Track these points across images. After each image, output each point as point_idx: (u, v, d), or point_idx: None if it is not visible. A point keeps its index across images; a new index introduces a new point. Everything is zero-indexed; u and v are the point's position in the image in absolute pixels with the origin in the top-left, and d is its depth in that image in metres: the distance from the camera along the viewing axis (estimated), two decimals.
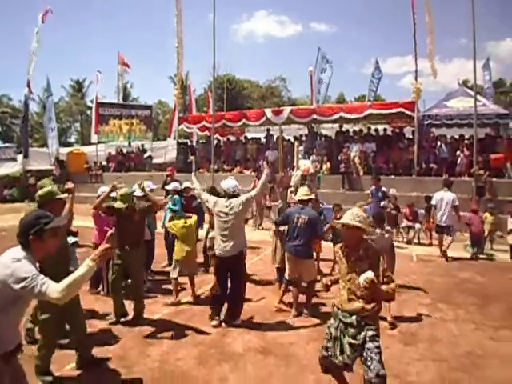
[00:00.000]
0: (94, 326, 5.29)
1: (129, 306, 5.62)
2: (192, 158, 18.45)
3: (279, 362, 4.48)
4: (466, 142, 14.49)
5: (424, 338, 5.04)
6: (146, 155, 20.27)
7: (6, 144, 27.43)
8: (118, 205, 5.52)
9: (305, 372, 4.25)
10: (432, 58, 14.70)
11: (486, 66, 19.49)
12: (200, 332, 5.23)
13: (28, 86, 20.85)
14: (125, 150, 21.59)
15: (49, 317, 4.09)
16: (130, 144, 22.22)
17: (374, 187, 10.89)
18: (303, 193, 6.12)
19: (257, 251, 9.87)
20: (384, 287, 3.15)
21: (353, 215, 3.33)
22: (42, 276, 2.47)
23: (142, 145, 22.02)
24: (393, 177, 14.23)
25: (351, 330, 3.21)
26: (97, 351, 4.60)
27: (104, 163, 20.99)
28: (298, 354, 4.65)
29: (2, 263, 2.47)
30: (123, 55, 22.30)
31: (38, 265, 2.66)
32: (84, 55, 62.72)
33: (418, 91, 14.36)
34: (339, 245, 3.51)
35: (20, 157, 21.18)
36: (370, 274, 3.03)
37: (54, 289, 2.41)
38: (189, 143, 20.82)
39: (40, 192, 4.08)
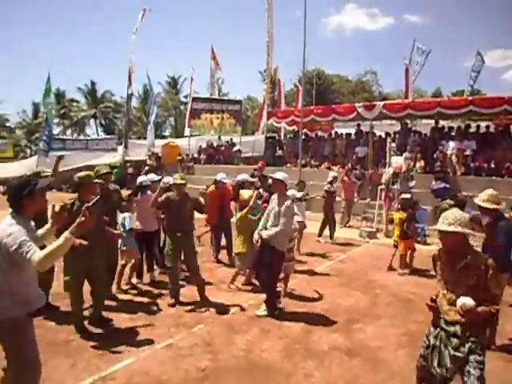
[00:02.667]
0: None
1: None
2: (280, 152, 18.56)
3: (366, 365, 4.30)
4: None
5: None
6: (234, 149, 20.69)
7: (109, 136, 29.71)
8: (172, 195, 5.84)
9: (395, 379, 4.03)
10: None
11: None
12: (285, 326, 5.21)
13: (130, 82, 22.37)
14: (215, 144, 22.25)
15: (69, 278, 4.77)
16: (219, 138, 22.85)
17: None
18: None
19: (344, 249, 9.66)
20: (488, 307, 2.82)
21: (449, 218, 2.93)
22: (30, 243, 2.74)
23: (231, 139, 22.54)
24: (494, 178, 13.06)
25: (454, 341, 2.93)
26: (184, 335, 4.80)
27: (195, 155, 21.83)
28: (386, 360, 4.43)
29: (1, 229, 2.82)
30: (216, 53, 22.97)
31: (33, 223, 3.11)
32: (179, 52, 65.77)
33: None
34: (438, 248, 3.21)
35: (120, 148, 22.83)
36: (468, 301, 2.76)
37: (34, 257, 2.68)
38: (277, 138, 20.91)
39: (80, 174, 4.82)
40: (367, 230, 10.90)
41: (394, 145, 15.00)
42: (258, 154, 20.32)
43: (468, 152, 14.06)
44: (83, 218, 2.88)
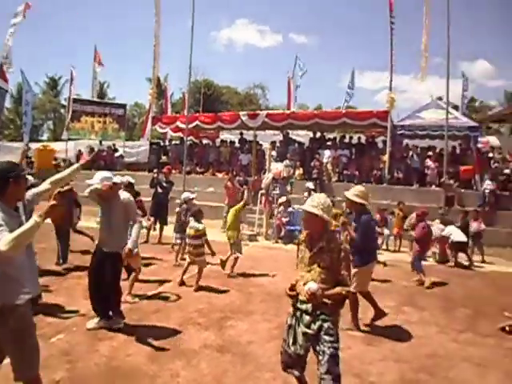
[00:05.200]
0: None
1: None
2: (164, 158, 18.16)
3: (236, 359, 4.26)
4: (436, 152, 14.70)
5: (387, 339, 4.90)
6: (117, 154, 19.79)
7: None
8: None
9: (262, 370, 4.05)
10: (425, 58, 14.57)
11: (465, 84, 20.01)
12: (156, 329, 4.97)
13: (4, 79, 19.97)
14: (96, 149, 21.02)
15: None
16: (101, 142, 21.66)
17: None
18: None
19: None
20: (338, 289, 2.95)
21: (314, 201, 3.06)
22: (3, 228, 2.58)
23: (114, 144, 21.50)
24: (364, 184, 14.22)
25: (306, 318, 3.02)
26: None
27: (73, 161, 20.38)
28: (256, 353, 4.44)
29: None
30: (99, 53, 21.85)
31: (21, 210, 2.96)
32: (61, 54, 61.58)
33: (392, 101, 14.47)
34: (305, 232, 3.30)
35: None
36: (312, 286, 2.85)
37: (2, 242, 2.49)
38: (161, 144, 20.46)
39: None
40: (248, 233, 11.08)
41: (274, 153, 15.62)
42: (143, 160, 19.71)
43: (342, 160, 15.16)
44: (54, 202, 2.72)
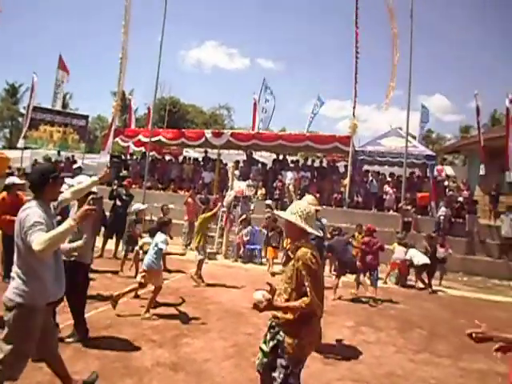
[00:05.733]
0: None
1: None
2: (125, 172, 17.74)
3: (190, 378, 4.07)
4: (395, 179, 15.15)
5: (345, 359, 4.85)
6: (75, 166, 19.15)
7: None
8: None
9: None
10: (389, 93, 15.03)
11: (424, 115, 20.83)
12: (105, 345, 4.69)
13: None
14: (53, 159, 20.29)
15: None
16: (59, 153, 20.94)
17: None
18: None
19: (182, 268, 9.41)
20: (295, 302, 2.70)
21: (294, 208, 2.87)
22: (42, 226, 2.76)
23: (73, 155, 20.84)
24: (325, 207, 14.41)
25: (268, 334, 2.88)
26: None
27: (28, 170, 19.56)
28: (211, 371, 4.26)
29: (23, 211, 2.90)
30: (65, 60, 21.29)
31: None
32: (22, 61, 59.85)
33: (354, 127, 14.82)
34: (287, 240, 3.19)
35: None
36: (257, 296, 2.68)
37: (37, 240, 2.65)
38: (123, 157, 20.03)
39: None
40: (207, 251, 10.85)
41: (237, 172, 15.60)
42: (102, 173, 19.14)
43: (304, 182, 15.32)
44: (88, 207, 2.89)
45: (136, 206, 8.43)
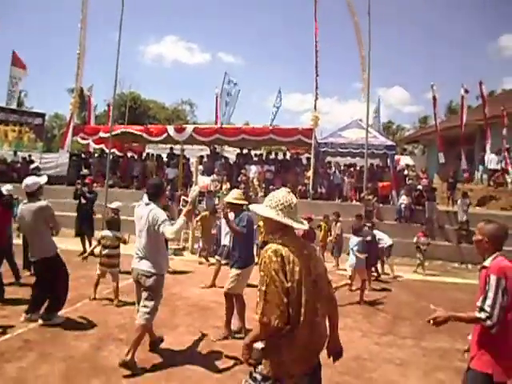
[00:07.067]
0: None
1: None
2: (85, 171, 17.27)
3: (160, 375, 4.04)
4: (357, 169, 15.48)
5: None
6: (32, 166, 18.47)
7: None
8: None
9: (185, 382, 3.87)
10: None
11: (377, 109, 21.25)
12: (70, 346, 4.59)
13: None
14: (9, 159, 19.50)
15: None
16: (15, 153, 20.16)
17: None
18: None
19: None
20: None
21: (273, 201, 2.39)
22: (168, 221, 4.15)
23: (30, 155, 20.07)
24: None
25: None
26: None
27: None
28: (181, 366, 4.25)
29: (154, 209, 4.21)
30: (18, 55, 20.43)
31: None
32: None
33: (316, 119, 15.00)
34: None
35: None
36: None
37: (169, 230, 4.05)
38: (83, 156, 19.48)
39: None
40: (173, 247, 10.78)
41: (201, 167, 15.50)
42: (62, 173, 18.61)
43: (268, 175, 15.41)
44: (190, 207, 4.29)
45: (116, 203, 8.40)
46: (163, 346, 4.73)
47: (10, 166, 18.80)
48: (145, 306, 4.22)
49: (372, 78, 13.93)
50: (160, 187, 4.48)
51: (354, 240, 7.42)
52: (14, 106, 21.04)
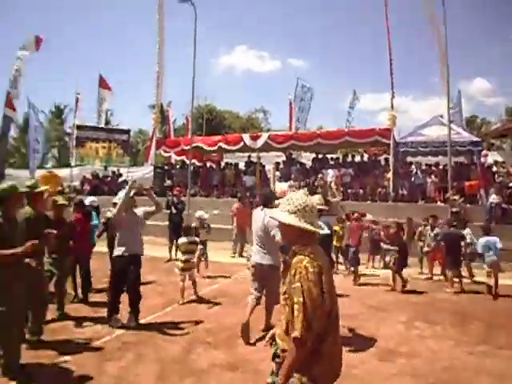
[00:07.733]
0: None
1: None
2: (169, 182, 18.21)
3: (247, 377, 4.16)
4: (440, 168, 14.72)
5: (402, 354, 4.80)
6: (121, 179, 19.84)
7: None
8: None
9: None
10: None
11: (457, 102, 19.97)
12: (162, 348, 4.89)
13: (12, 108, 19.74)
14: (100, 174, 21.15)
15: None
16: (106, 168, 21.79)
17: None
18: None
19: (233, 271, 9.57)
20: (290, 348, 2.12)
21: (291, 205, 2.23)
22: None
23: (118, 169, 21.61)
24: (369, 202, 14.23)
25: (275, 364, 2.41)
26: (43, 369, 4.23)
27: (78, 187, 20.42)
28: (268, 370, 4.32)
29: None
30: (105, 78, 22.16)
31: None
32: (64, 83, 62.44)
33: (394, 118, 14.56)
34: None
35: None
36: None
37: (278, 235, 4.56)
38: (166, 168, 20.55)
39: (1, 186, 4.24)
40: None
41: (278, 174, 15.66)
42: (147, 184, 19.71)
43: (346, 179, 15.18)
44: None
45: (200, 212, 9.08)
46: (250, 350, 4.86)
47: (101, 181, 20.37)
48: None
49: (451, 71, 13.18)
50: (271, 197, 5.56)
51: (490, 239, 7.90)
52: (102, 124, 22.80)
